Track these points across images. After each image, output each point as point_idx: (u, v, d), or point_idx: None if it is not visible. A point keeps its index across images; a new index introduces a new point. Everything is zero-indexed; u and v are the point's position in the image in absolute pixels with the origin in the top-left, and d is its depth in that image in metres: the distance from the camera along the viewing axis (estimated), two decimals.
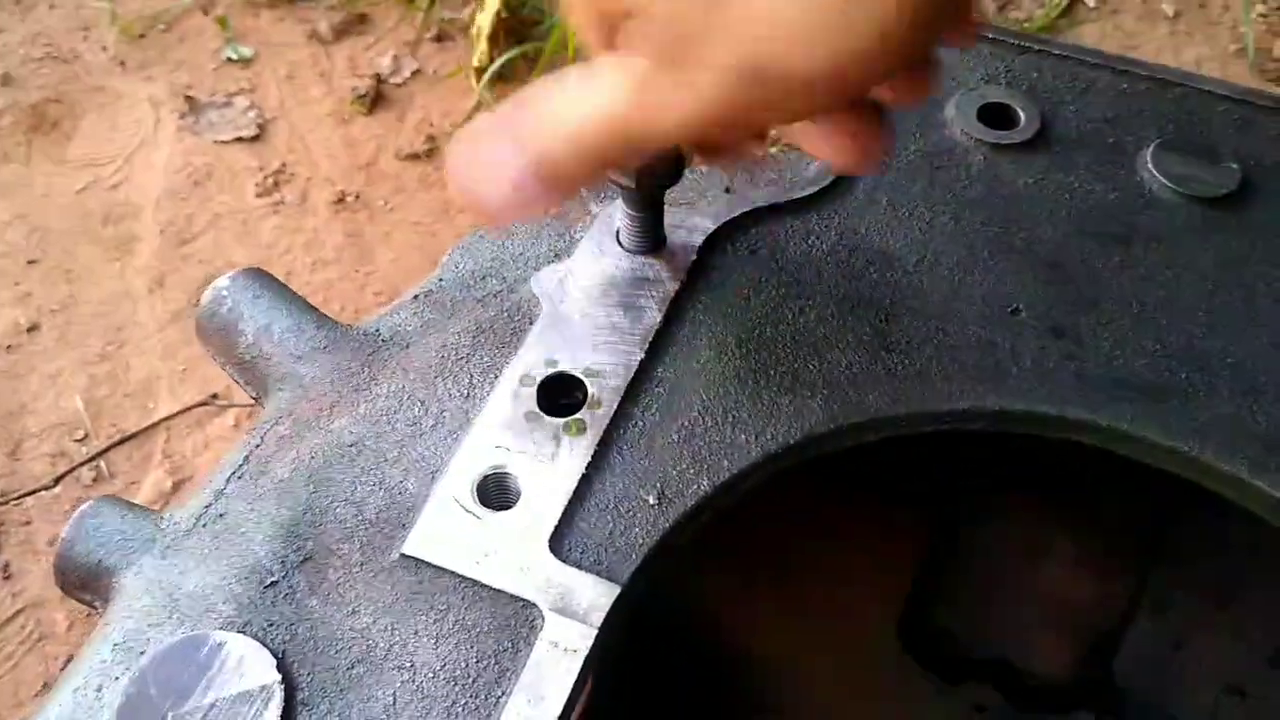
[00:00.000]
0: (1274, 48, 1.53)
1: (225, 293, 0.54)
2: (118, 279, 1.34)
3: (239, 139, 1.46)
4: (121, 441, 1.19)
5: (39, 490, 1.16)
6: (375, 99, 1.48)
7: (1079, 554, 0.72)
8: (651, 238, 0.54)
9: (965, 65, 0.65)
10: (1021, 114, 0.62)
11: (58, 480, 1.16)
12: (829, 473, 0.64)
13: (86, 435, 1.20)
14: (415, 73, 1.52)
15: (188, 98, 1.50)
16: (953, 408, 0.50)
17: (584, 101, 0.37)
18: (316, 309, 0.54)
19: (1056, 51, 0.66)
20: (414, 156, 1.43)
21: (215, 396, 1.21)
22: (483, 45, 1.47)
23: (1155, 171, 0.59)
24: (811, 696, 0.73)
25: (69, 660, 1.04)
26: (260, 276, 0.55)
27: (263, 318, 0.53)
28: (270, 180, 1.41)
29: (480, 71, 1.47)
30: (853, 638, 0.74)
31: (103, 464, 1.18)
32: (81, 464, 1.17)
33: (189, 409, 1.20)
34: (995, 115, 0.62)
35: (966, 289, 0.55)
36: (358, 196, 1.39)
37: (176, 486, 1.15)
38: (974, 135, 0.61)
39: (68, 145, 1.47)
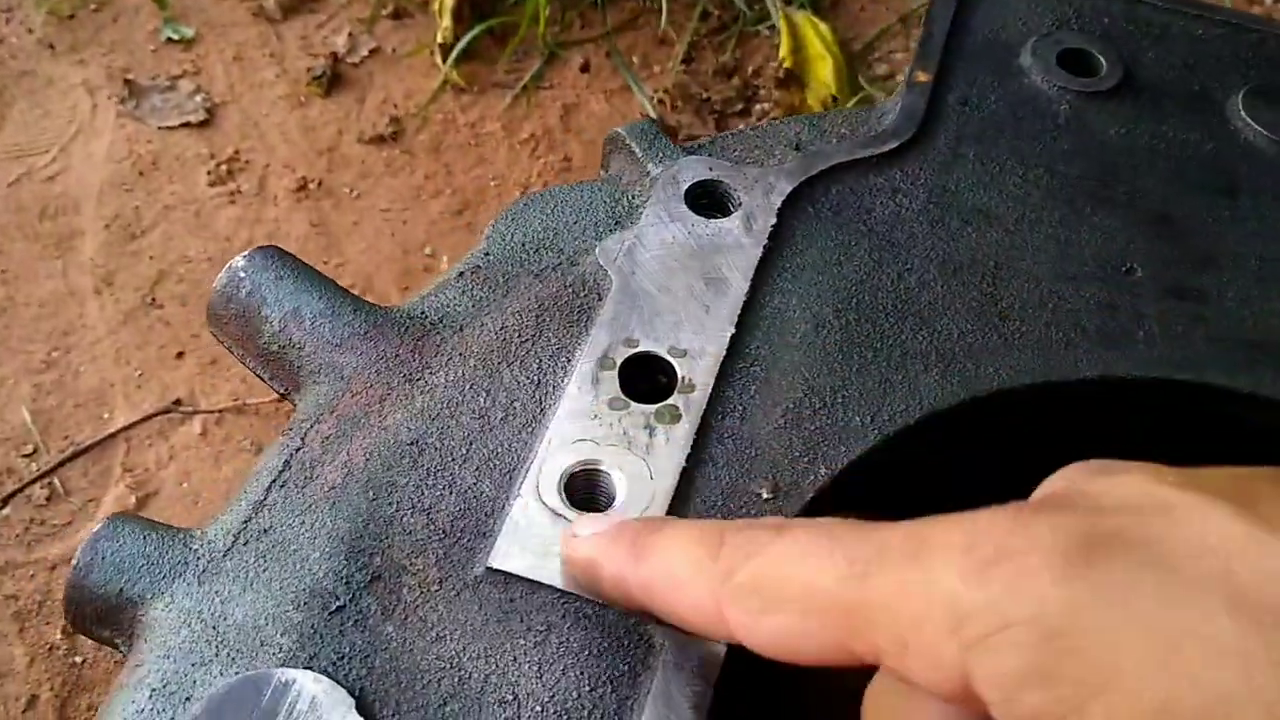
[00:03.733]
0: None
1: (243, 274, 0.47)
2: (60, 278, 1.24)
3: (186, 124, 1.36)
4: (75, 455, 1.09)
5: None
6: (332, 80, 1.39)
7: None
8: None
9: (1033, 9, 0.60)
10: (1103, 60, 0.57)
11: (6, 500, 1.06)
12: (943, 468, 0.59)
13: (36, 450, 1.10)
14: (373, 51, 1.43)
15: (127, 81, 1.39)
16: (1082, 377, 0.45)
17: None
18: (349, 291, 0.48)
19: None
20: (378, 140, 1.35)
21: (179, 403, 1.12)
22: (446, 21, 1.39)
23: (1249, 119, 0.55)
24: None
25: (32, 702, 0.94)
26: (282, 255, 0.48)
27: (289, 301, 0.46)
28: (224, 168, 1.32)
29: (445, 49, 1.39)
30: None
31: (56, 481, 1.08)
32: (32, 481, 1.07)
33: (149, 418, 1.11)
34: (1075, 61, 0.57)
35: (1074, 248, 0.50)
36: (320, 184, 1.31)
37: (142, 503, 1.06)
38: (1056, 83, 0.56)
39: None
